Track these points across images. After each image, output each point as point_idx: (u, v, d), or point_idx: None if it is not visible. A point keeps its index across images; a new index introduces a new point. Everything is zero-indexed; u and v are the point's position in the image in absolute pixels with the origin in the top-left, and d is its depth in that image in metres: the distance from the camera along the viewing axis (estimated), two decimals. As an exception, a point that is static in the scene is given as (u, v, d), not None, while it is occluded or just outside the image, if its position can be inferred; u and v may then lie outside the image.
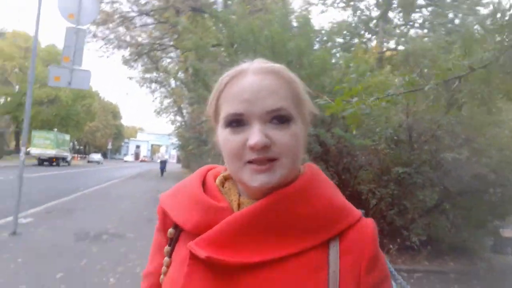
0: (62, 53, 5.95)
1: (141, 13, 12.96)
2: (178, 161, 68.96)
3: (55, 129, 33.32)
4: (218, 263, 0.61)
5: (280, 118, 0.63)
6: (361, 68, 5.41)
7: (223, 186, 0.74)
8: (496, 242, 7.70)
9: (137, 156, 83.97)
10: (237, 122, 0.63)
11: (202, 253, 0.61)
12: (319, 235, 0.64)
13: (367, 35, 14.67)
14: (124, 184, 17.24)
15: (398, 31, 13.89)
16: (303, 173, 0.69)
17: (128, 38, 14.83)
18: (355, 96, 2.48)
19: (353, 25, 13.61)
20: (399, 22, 14.37)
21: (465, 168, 5.86)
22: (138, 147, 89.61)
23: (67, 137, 34.13)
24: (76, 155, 51.71)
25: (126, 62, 16.95)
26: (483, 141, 6.06)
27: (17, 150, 42.42)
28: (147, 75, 23.85)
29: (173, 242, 0.73)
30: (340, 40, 11.76)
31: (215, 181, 0.74)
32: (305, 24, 5.52)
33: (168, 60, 19.85)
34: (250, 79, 0.64)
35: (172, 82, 25.75)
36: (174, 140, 49.39)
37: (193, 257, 0.63)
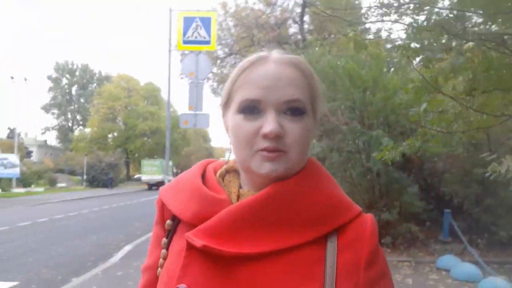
0: (188, 102, 7.88)
1: (230, 53, 15.09)
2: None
3: (155, 156, 37.79)
4: (214, 252, 0.61)
5: (295, 110, 0.63)
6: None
7: (223, 179, 0.74)
8: None
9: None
10: (251, 108, 0.63)
11: (199, 242, 0.61)
12: (317, 229, 0.64)
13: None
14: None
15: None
16: (304, 167, 0.68)
17: (214, 70, 16.93)
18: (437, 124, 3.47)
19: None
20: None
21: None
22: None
23: (170, 163, 38.46)
24: (175, 178, 57.40)
25: (214, 91, 19.02)
26: None
27: (128, 177, 48.83)
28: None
29: (170, 234, 0.73)
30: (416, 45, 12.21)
31: (215, 174, 0.75)
32: (377, 56, 6.58)
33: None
34: (271, 67, 0.64)
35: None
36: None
37: (189, 247, 0.63)
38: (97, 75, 71.47)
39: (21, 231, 10.11)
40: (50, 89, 68.18)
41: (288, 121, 0.63)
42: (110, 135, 47.78)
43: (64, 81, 69.40)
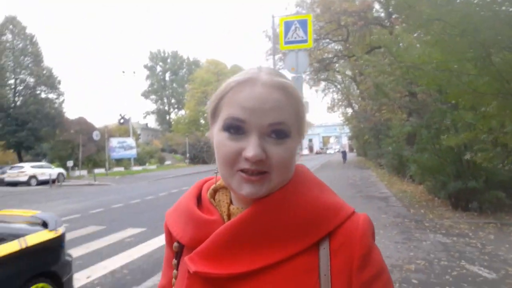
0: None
1: (318, 38, 16.22)
2: (350, 149, 70.77)
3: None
4: (207, 276, 0.63)
5: (280, 133, 0.63)
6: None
7: (214, 198, 0.75)
8: None
9: (311, 149, 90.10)
10: (236, 128, 0.63)
11: (191, 268, 0.63)
12: (306, 238, 0.64)
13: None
14: (318, 174, 20.81)
15: None
16: (289, 179, 0.68)
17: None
18: None
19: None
20: None
21: None
22: (310, 140, 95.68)
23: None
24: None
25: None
26: None
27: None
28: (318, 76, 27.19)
29: (178, 255, 0.75)
30: None
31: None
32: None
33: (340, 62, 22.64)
34: (259, 90, 0.64)
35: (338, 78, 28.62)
36: (344, 130, 52.08)
37: None
38: (186, 61, 76.88)
39: (159, 200, 12.93)
40: (147, 77, 75.62)
41: (271, 144, 0.63)
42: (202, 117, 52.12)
43: (158, 68, 76.35)
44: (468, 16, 3.20)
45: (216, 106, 0.68)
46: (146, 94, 75.94)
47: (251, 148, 0.61)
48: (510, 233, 6.44)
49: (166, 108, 77.52)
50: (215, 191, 0.76)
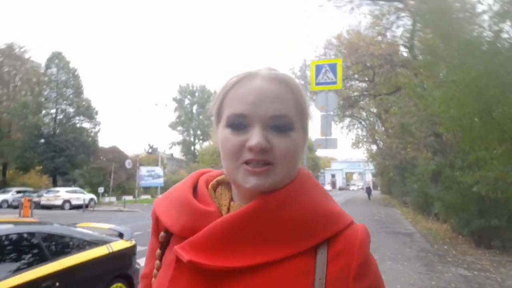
0: (320, 129, 10.20)
1: (345, 78, 17.16)
2: (374, 187, 69.86)
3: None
4: (200, 267, 0.61)
5: (282, 125, 0.64)
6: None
7: (215, 191, 0.74)
8: None
9: (333, 184, 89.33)
10: (238, 123, 0.64)
11: (185, 257, 0.62)
12: (305, 241, 0.63)
13: None
14: (345, 208, 21.00)
15: None
16: (293, 179, 0.68)
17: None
18: None
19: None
20: None
21: None
22: (333, 176, 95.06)
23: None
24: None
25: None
26: None
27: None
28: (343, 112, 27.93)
29: (163, 245, 0.73)
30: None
31: (206, 185, 0.75)
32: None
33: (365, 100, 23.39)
34: (258, 83, 0.65)
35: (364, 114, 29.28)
36: (368, 166, 51.89)
37: (178, 260, 0.64)
38: (213, 95, 79.27)
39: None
40: (176, 109, 78.49)
41: (275, 136, 0.63)
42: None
43: (186, 101, 79.35)
44: (476, 80, 3.91)
45: (220, 106, 0.69)
46: (173, 126, 78.51)
47: (254, 137, 0.62)
48: (531, 271, 6.73)
49: (192, 139, 79.70)
50: (218, 183, 0.75)
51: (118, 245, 4.10)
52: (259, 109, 0.63)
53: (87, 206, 23.18)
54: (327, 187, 78.69)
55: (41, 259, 3.18)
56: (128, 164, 30.80)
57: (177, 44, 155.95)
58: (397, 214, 18.76)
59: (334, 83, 10.45)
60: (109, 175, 30.19)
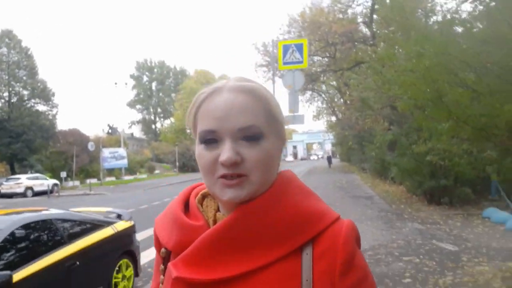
0: (288, 107, 10.79)
1: (309, 54, 17.82)
2: (334, 155, 72.58)
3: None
4: (189, 282, 0.64)
5: (251, 136, 0.64)
6: None
7: (202, 204, 0.75)
8: None
9: (295, 155, 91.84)
10: (210, 139, 0.65)
11: (174, 273, 0.65)
12: (289, 243, 0.64)
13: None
14: (307, 178, 22.13)
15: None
16: (272, 185, 0.69)
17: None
18: None
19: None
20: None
21: None
22: (295, 147, 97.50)
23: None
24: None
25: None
26: None
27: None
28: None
29: (165, 261, 0.75)
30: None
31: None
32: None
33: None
34: (224, 97, 0.66)
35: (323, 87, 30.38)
36: (328, 137, 53.90)
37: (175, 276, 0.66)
38: (173, 70, 77.58)
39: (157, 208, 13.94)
40: (134, 86, 75.95)
41: (245, 147, 0.64)
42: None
43: (145, 78, 76.80)
44: (429, 70, 4.62)
45: (194, 121, 0.70)
46: (131, 104, 76.21)
47: (224, 152, 0.62)
48: (473, 221, 7.90)
49: (152, 117, 77.97)
50: (204, 197, 0.76)
51: (121, 225, 4.52)
52: (226, 123, 0.64)
53: (51, 192, 22.71)
54: (289, 158, 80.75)
55: (60, 243, 3.56)
56: (91, 146, 30.15)
57: (135, 19, 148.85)
58: (357, 180, 20.17)
59: (301, 62, 10.96)
60: (71, 159, 29.44)
